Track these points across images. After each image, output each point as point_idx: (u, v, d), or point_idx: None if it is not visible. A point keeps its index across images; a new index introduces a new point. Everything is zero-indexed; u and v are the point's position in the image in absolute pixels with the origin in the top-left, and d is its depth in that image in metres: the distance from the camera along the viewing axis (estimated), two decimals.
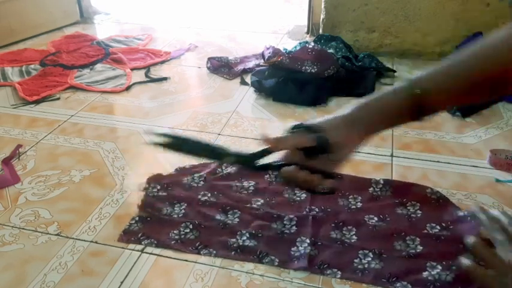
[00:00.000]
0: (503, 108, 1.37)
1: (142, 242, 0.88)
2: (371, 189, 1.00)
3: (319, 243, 0.86)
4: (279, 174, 0.81)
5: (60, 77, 1.60)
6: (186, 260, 0.84)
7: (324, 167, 0.78)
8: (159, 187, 1.02)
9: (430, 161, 1.12)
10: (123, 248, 0.87)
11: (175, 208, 0.96)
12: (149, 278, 0.81)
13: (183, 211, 0.95)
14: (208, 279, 0.80)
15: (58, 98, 1.47)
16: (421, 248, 0.84)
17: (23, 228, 0.92)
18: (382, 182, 1.01)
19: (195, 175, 1.06)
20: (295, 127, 0.79)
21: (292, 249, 0.85)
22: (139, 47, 1.89)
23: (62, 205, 0.99)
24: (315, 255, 0.83)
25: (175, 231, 0.90)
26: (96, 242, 0.88)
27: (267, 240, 0.87)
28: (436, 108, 0.72)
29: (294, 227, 0.90)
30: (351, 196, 0.98)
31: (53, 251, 0.86)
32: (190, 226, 0.91)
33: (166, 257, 0.85)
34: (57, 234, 0.90)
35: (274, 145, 0.79)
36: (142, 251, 0.86)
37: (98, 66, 1.70)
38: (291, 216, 0.92)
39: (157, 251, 0.86)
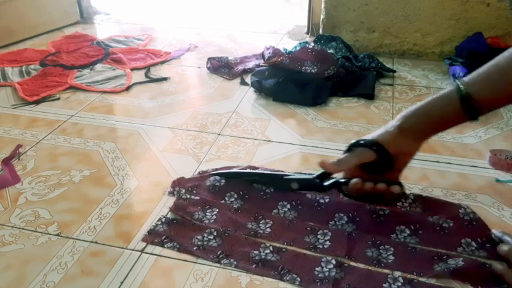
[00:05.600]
0: (504, 109, 1.37)
1: (165, 246, 0.87)
2: (399, 203, 0.96)
3: (345, 264, 0.81)
4: (347, 190, 0.87)
5: (60, 77, 1.60)
6: (186, 260, 0.84)
7: (386, 178, 0.83)
8: (183, 191, 1.01)
9: (430, 161, 1.12)
10: (123, 248, 0.87)
11: (206, 213, 0.95)
12: (149, 278, 0.81)
13: (214, 217, 0.94)
14: (208, 279, 0.80)
15: (58, 98, 1.48)
16: (462, 263, 0.79)
17: (23, 229, 0.92)
18: (412, 197, 0.97)
19: (217, 177, 1.04)
20: (351, 145, 0.85)
21: (317, 269, 0.81)
22: (139, 47, 1.90)
23: (62, 205, 0.99)
24: (341, 278, 0.79)
25: (198, 237, 0.88)
26: (96, 242, 0.88)
27: (291, 256, 0.84)
28: (491, 107, 0.76)
29: (327, 242, 0.86)
30: (378, 207, 0.94)
31: (53, 251, 0.86)
32: (215, 233, 0.89)
33: (166, 257, 0.85)
34: (57, 235, 0.90)
35: (337, 169, 0.86)
36: (142, 251, 0.86)
37: (98, 67, 1.70)
38: (325, 231, 0.89)
39: (158, 251, 0.86)
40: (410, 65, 1.69)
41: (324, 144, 1.20)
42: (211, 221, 0.93)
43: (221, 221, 0.93)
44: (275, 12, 2.42)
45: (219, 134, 1.25)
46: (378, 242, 0.87)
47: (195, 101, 1.46)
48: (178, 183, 1.04)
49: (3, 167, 1.11)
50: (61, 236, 0.90)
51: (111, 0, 2.59)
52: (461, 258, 0.81)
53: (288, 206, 0.96)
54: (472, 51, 1.54)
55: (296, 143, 1.20)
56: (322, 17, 1.81)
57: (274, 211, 0.95)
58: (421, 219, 0.91)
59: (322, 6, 1.79)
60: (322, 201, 0.96)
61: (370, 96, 1.43)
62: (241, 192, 0.99)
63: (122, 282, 0.80)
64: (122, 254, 0.86)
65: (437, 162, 1.12)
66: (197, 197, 0.99)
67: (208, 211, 0.96)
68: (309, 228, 0.90)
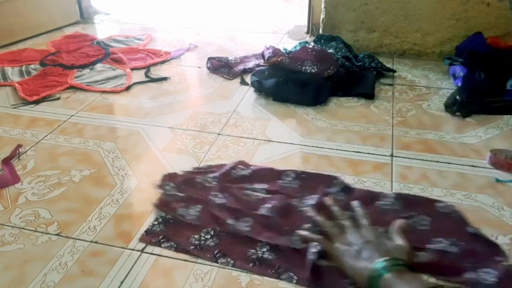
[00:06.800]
0: None
1: (162, 245, 0.87)
2: (381, 202, 0.96)
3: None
4: None
5: (60, 77, 1.60)
6: (186, 260, 0.84)
7: None
8: (173, 185, 1.02)
9: (430, 161, 1.12)
10: (123, 248, 0.87)
11: (189, 209, 0.95)
12: (149, 278, 0.81)
13: (197, 213, 0.94)
14: (208, 279, 0.80)
15: (58, 98, 1.48)
16: (425, 257, 0.81)
17: (23, 228, 0.92)
18: (392, 195, 0.98)
19: (210, 175, 1.05)
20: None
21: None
22: (139, 47, 1.90)
23: (62, 205, 0.99)
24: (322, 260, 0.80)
25: (195, 236, 0.88)
26: (96, 242, 0.88)
27: (288, 254, 0.84)
28: None
29: (303, 244, 0.85)
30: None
31: (53, 251, 0.86)
32: (212, 232, 0.89)
33: (166, 256, 0.85)
34: (57, 234, 0.90)
35: None
36: (142, 251, 0.86)
37: (98, 66, 1.70)
38: (302, 232, 0.87)
39: (158, 250, 0.86)
40: (410, 65, 1.69)
41: (324, 144, 1.20)
42: (193, 217, 0.94)
43: (203, 218, 0.93)
44: (275, 12, 2.42)
45: (219, 134, 1.25)
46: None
47: (195, 100, 1.46)
48: (170, 178, 1.05)
49: (3, 166, 1.11)
50: (61, 236, 0.90)
51: (111, 0, 2.59)
52: (424, 253, 0.82)
53: (269, 206, 0.95)
54: (472, 51, 1.54)
55: (296, 143, 1.20)
56: (322, 16, 1.81)
57: (255, 212, 0.94)
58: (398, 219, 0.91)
59: (322, 6, 1.79)
60: (307, 207, 0.95)
61: (370, 96, 1.43)
62: (226, 193, 1.00)
63: (122, 282, 0.80)
64: (121, 254, 0.86)
65: (437, 162, 1.12)
66: (182, 194, 1.00)
67: (191, 207, 0.96)
68: (286, 228, 0.89)
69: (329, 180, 1.03)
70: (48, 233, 0.91)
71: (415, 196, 0.98)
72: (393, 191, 1.00)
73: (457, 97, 1.36)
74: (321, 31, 1.83)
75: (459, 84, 1.45)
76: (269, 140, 1.22)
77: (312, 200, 0.97)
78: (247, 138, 1.23)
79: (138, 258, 0.84)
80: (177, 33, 2.09)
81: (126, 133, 1.26)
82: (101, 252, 0.86)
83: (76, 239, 0.89)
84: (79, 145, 1.21)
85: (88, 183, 1.06)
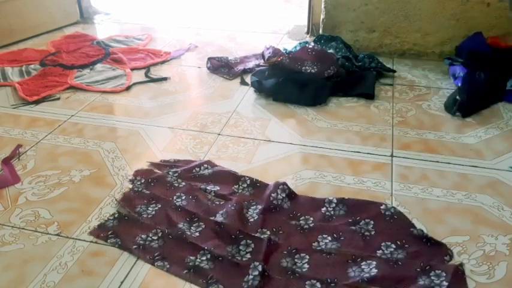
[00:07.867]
0: (503, 109, 1.37)
1: (108, 241, 0.88)
2: (324, 209, 0.96)
3: (265, 273, 0.80)
4: None
5: (60, 77, 1.60)
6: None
7: None
8: (143, 181, 1.03)
9: (430, 161, 1.12)
10: None
11: (149, 208, 0.96)
12: (149, 278, 0.81)
13: (153, 212, 0.95)
14: None
15: (58, 98, 1.48)
16: (376, 271, 0.80)
17: (23, 228, 0.92)
18: (335, 201, 0.97)
19: (173, 169, 1.06)
20: None
21: (245, 279, 0.79)
22: (139, 47, 1.89)
23: (62, 205, 0.99)
24: (261, 287, 0.78)
25: (143, 236, 0.89)
26: (96, 242, 0.88)
27: (224, 264, 0.82)
28: None
29: (248, 255, 0.85)
30: (302, 217, 0.94)
31: (53, 251, 0.86)
32: (160, 234, 0.89)
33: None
34: (57, 234, 0.90)
35: None
36: None
37: (98, 66, 1.70)
38: (249, 241, 0.87)
39: None
40: (410, 65, 1.69)
41: (324, 144, 1.20)
42: (149, 216, 0.94)
43: (157, 217, 0.93)
44: (275, 12, 2.42)
45: (219, 134, 1.25)
46: (294, 250, 0.86)
47: (195, 100, 1.46)
48: (142, 173, 1.05)
49: (3, 166, 1.11)
50: (61, 236, 0.90)
51: (111, 0, 2.59)
52: (374, 262, 0.81)
53: (225, 211, 0.94)
54: (472, 51, 1.54)
55: (296, 143, 1.20)
56: (322, 17, 1.81)
57: (212, 218, 0.93)
58: (343, 226, 0.91)
59: (322, 6, 1.79)
60: (255, 216, 0.94)
61: (370, 96, 1.43)
62: (190, 196, 0.99)
63: (122, 282, 0.80)
64: (122, 254, 0.86)
65: (437, 162, 1.12)
66: (148, 191, 1.00)
67: (151, 206, 0.96)
68: (233, 237, 0.88)
69: (276, 187, 1.00)
70: (48, 233, 0.91)
71: (358, 200, 0.97)
72: (340, 196, 0.98)
73: (457, 97, 1.35)
74: (321, 31, 1.83)
75: (459, 85, 1.45)
76: (269, 140, 1.22)
77: (260, 205, 0.96)
78: (247, 138, 1.23)
79: (138, 258, 0.85)
80: (177, 33, 2.09)
81: (126, 133, 1.26)
82: (101, 252, 0.86)
83: (76, 239, 0.89)
84: (79, 145, 1.21)
85: (88, 183, 1.06)
